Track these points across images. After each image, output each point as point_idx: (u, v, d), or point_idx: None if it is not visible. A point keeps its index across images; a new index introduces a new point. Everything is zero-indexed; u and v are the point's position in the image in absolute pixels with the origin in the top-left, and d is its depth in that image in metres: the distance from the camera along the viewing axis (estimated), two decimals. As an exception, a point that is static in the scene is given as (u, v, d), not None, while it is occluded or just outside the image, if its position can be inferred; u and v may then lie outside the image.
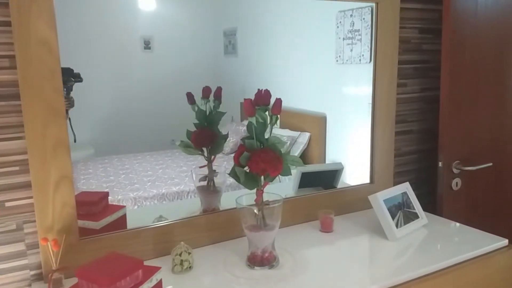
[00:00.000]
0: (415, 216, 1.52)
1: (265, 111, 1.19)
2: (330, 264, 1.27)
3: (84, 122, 1.49)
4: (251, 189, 1.19)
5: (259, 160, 1.14)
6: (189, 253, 1.24)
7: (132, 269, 0.96)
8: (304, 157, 2.02)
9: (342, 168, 1.89)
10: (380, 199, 1.43)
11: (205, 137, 1.61)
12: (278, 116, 1.20)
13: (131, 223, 1.46)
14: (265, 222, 1.23)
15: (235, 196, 2.05)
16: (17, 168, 1.17)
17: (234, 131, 1.84)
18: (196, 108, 1.62)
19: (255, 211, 1.21)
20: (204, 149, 1.63)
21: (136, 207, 1.73)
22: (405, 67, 1.81)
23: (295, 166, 1.23)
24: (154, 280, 1.02)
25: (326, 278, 1.18)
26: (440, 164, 1.73)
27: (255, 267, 1.23)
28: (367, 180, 1.75)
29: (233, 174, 1.17)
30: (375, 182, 1.72)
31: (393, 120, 1.73)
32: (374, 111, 1.71)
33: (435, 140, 1.84)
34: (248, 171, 1.18)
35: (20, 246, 1.21)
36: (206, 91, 1.61)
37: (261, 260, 1.23)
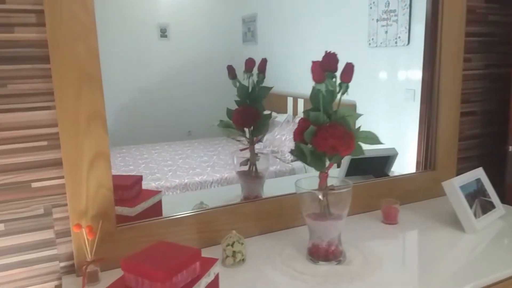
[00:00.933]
0: (491, 206, 1.33)
1: (332, 78, 1.01)
2: (406, 261, 1.09)
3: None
4: (318, 170, 1.01)
5: (328, 136, 0.96)
6: (242, 244, 1.07)
7: (189, 261, 0.80)
8: None
9: (396, 154, 1.70)
10: (456, 185, 1.24)
11: (248, 116, 1.43)
12: (348, 85, 1.02)
13: (166, 211, 1.31)
14: (329, 210, 1.05)
15: (278, 183, 1.90)
16: (45, 143, 1.01)
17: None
18: (238, 84, 1.44)
19: (319, 197, 1.04)
20: (246, 130, 1.46)
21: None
22: (468, 40, 1.60)
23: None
24: (212, 274, 0.86)
25: (407, 277, 1.00)
26: (510, 148, 1.53)
27: (320, 262, 1.06)
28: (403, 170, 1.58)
29: (297, 152, 0.99)
30: (437, 169, 1.53)
31: (458, 99, 1.54)
32: (438, 89, 1.51)
33: (499, 124, 1.64)
34: (312, 149, 1.00)
35: (49, 234, 1.05)
36: (249, 63, 1.43)
37: (326, 254, 1.06)
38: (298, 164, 2.17)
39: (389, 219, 1.31)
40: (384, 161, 1.74)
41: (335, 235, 1.06)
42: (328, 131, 0.96)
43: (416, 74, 1.76)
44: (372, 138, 1.01)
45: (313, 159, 0.99)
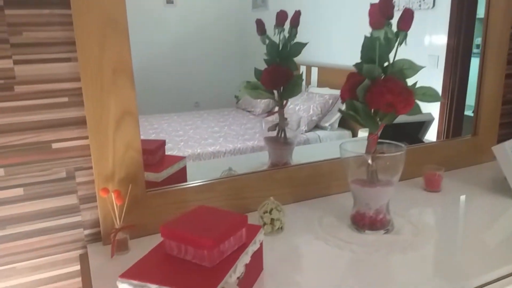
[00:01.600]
0: (543, 174, 1.23)
1: (387, 26, 0.89)
2: (460, 231, 1.00)
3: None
4: (372, 130, 0.91)
5: (385, 92, 0.85)
6: (280, 211, 0.99)
7: (235, 227, 0.71)
8: (346, 119, 1.82)
9: (432, 120, 1.60)
10: (508, 149, 1.14)
11: (278, 76, 1.32)
12: (407, 34, 0.90)
13: (190, 179, 1.23)
14: (377, 176, 0.96)
15: (307, 151, 1.81)
16: (65, 99, 0.91)
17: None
18: (267, 41, 1.32)
19: (369, 161, 0.94)
20: (275, 92, 1.35)
21: None
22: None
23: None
24: (257, 242, 0.77)
25: (460, 248, 0.92)
26: (559, 114, 1.42)
27: (366, 231, 0.97)
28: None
29: (349, 108, 0.88)
30: (479, 134, 1.43)
31: (504, 60, 1.41)
32: (484, 50, 1.38)
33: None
34: (364, 107, 0.89)
35: (71, 199, 0.96)
36: (281, 16, 1.30)
37: (372, 222, 0.97)
38: (313, 135, 2.08)
39: (432, 186, 1.22)
40: (419, 127, 1.64)
41: (384, 202, 0.97)
42: (385, 86, 0.85)
43: (440, 39, 1.64)
44: (432, 95, 0.90)
45: (366, 117, 0.88)
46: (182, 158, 1.30)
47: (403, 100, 0.86)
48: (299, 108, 2.25)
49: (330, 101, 2.11)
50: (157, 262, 0.68)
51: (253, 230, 0.78)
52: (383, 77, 0.91)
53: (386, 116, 0.91)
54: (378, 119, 0.92)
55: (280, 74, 1.32)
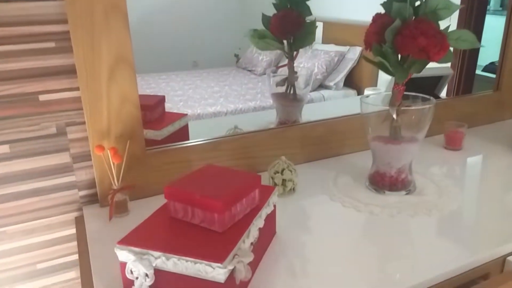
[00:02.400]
0: None
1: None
2: (486, 192, 0.92)
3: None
4: (400, 79, 0.81)
5: (418, 34, 0.74)
6: (292, 171, 0.90)
7: (248, 188, 0.63)
8: (353, 76, 1.76)
9: (450, 74, 1.49)
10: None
11: (289, 22, 1.19)
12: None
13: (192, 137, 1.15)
14: (400, 133, 0.87)
15: (316, 109, 1.71)
16: (52, 44, 0.80)
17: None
18: (276, -18, 1.19)
19: (394, 115, 0.85)
20: (285, 41, 1.23)
21: None
22: None
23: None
24: (271, 204, 0.69)
25: (489, 209, 0.85)
26: None
27: (386, 192, 0.90)
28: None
29: (377, 53, 0.77)
30: (502, 90, 1.33)
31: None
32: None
33: None
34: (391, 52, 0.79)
35: (64, 158, 0.87)
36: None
37: (393, 183, 0.89)
38: (317, 94, 1.98)
39: (453, 144, 1.13)
40: (435, 81, 1.53)
41: (407, 161, 0.88)
42: (418, 28, 0.74)
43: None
44: (468, 40, 0.79)
45: (396, 64, 0.78)
46: (183, 115, 1.20)
47: (438, 44, 0.75)
48: (303, 66, 2.13)
49: (336, 59, 1.99)
50: (161, 226, 0.60)
51: (266, 191, 0.70)
52: (413, 18, 0.79)
53: (415, 64, 0.80)
54: (405, 67, 0.81)
55: (291, 20, 1.19)
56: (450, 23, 0.81)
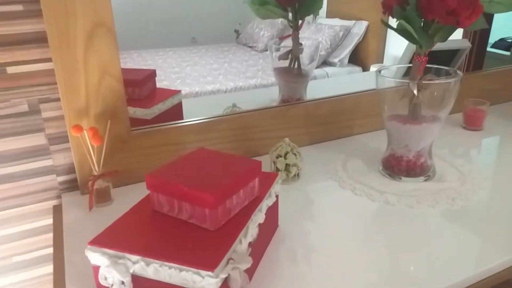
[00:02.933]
0: None
1: None
2: (508, 176, 0.83)
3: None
4: (426, 48, 0.70)
5: (448, -6, 0.62)
6: (297, 155, 0.80)
7: (246, 177, 0.53)
8: (358, 52, 1.67)
9: (468, 47, 1.37)
10: None
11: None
12: None
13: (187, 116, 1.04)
14: (421, 110, 0.76)
15: (321, 86, 1.60)
16: (20, 7, 0.68)
17: (269, 24, 1.55)
18: None
19: (414, 91, 0.74)
20: (289, 9, 1.11)
21: None
22: None
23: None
24: (273, 194, 0.60)
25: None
26: None
27: (402, 178, 0.80)
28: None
29: (399, 17, 0.66)
30: (527, 64, 1.21)
31: None
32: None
33: None
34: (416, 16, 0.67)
35: (38, 139, 0.77)
36: None
37: (411, 167, 0.79)
38: (320, 72, 1.86)
39: (473, 124, 1.03)
40: (451, 55, 1.41)
41: (427, 144, 0.78)
42: (448, -13, 0.62)
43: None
44: (503, 4, 0.67)
45: (419, 33, 0.66)
46: (176, 91, 1.09)
47: (470, 6, 0.63)
48: (304, 43, 2.02)
49: (341, 34, 1.86)
50: (141, 223, 0.50)
51: (268, 180, 0.60)
52: (441, -23, 0.67)
53: (440, 30, 0.69)
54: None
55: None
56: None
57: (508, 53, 1.42)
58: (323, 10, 2.00)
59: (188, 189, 0.48)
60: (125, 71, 1.09)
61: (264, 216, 0.55)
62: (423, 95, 0.74)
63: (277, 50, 1.19)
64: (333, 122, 1.00)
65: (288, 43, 1.14)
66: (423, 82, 0.73)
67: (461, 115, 1.06)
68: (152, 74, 1.07)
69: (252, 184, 0.54)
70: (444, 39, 0.72)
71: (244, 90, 1.67)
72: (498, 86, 1.20)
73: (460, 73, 0.75)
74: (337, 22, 1.85)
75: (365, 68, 1.75)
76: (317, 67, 1.87)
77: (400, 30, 0.66)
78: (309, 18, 2.16)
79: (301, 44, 1.15)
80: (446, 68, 0.78)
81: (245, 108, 1.09)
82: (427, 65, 0.75)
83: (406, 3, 0.66)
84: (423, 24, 0.69)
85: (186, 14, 1.82)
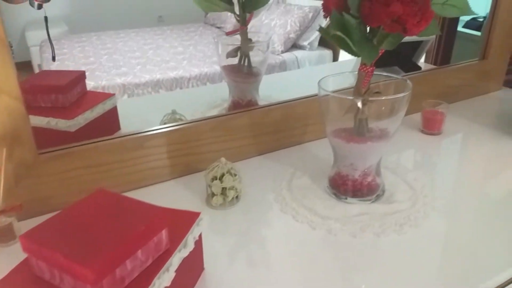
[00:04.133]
0: None
1: None
2: (471, 192, 0.77)
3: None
4: (370, 60, 0.61)
5: (392, 0, 0.54)
6: (235, 176, 0.72)
7: (147, 232, 0.44)
8: None
9: (432, 39, 1.30)
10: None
11: (237, -22, 0.96)
12: None
13: (124, 124, 0.93)
14: (367, 125, 0.68)
15: (276, 81, 1.50)
16: None
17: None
18: None
19: (359, 105, 0.66)
20: (235, 2, 1.00)
21: (126, 96, 1.21)
22: None
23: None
24: (191, 242, 0.51)
25: (473, 221, 0.69)
26: None
27: (348, 198, 0.73)
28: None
29: (336, 25, 0.57)
30: (489, 58, 1.15)
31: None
32: None
33: None
34: (358, 26, 0.58)
35: None
36: None
37: (357, 188, 0.72)
38: (290, 56, 1.76)
39: (431, 127, 0.97)
40: (414, 47, 1.34)
41: (375, 161, 0.71)
42: (392, -9, 0.53)
43: None
44: (458, 6, 0.59)
45: (362, 41, 0.57)
46: (109, 95, 0.98)
47: (418, 13, 0.55)
48: (275, 24, 1.90)
49: (310, 15, 1.76)
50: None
51: (185, 223, 0.51)
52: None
53: (387, 38, 0.61)
54: (375, 42, 0.62)
55: (239, -26, 0.95)
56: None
57: (479, 33, 1.36)
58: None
59: (66, 259, 0.39)
60: (46, 74, 0.96)
61: (172, 276, 0.46)
62: (369, 109, 0.67)
63: (225, 46, 1.09)
64: (283, 130, 0.92)
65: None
66: (368, 98, 0.64)
67: (420, 115, 0.99)
68: (80, 76, 0.95)
69: (157, 238, 0.45)
70: (394, 45, 0.63)
71: (210, 77, 1.55)
72: (460, 82, 1.14)
73: (409, 84, 0.67)
74: (306, 2, 1.75)
75: (336, 51, 1.67)
76: (286, 51, 1.77)
77: (339, 41, 0.57)
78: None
79: (250, 40, 1.04)
80: (396, 76, 0.70)
81: (189, 111, 0.99)
82: (375, 73, 0.67)
83: (346, 9, 0.56)
84: (368, 30, 0.61)
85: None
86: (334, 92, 0.66)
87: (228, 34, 1.08)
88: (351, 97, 0.65)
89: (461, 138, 0.97)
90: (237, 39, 1.02)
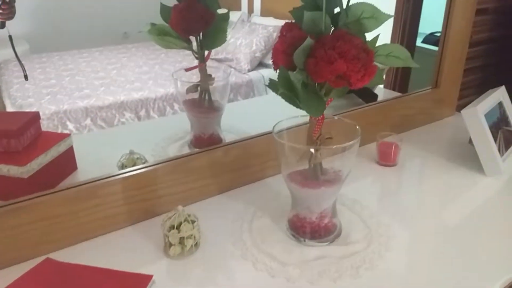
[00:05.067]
0: (513, 137, 1.05)
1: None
2: (426, 226, 0.79)
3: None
4: (317, 114, 0.62)
5: (336, 57, 0.55)
6: (193, 223, 0.71)
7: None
8: None
9: (387, 66, 1.34)
10: (481, 115, 0.92)
11: (193, 17, 0.96)
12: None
13: (81, 163, 0.91)
14: (321, 169, 0.70)
15: (236, 110, 1.51)
16: None
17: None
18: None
19: (312, 151, 0.67)
20: (193, 39, 1.00)
21: (89, 120, 1.18)
22: None
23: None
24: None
25: (428, 258, 0.71)
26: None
27: (307, 241, 0.73)
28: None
29: (282, 83, 0.58)
30: (442, 86, 1.20)
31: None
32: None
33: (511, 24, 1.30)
34: (306, 79, 0.60)
35: None
36: None
37: (315, 229, 0.73)
38: (256, 75, 1.78)
39: (387, 159, 0.99)
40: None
41: (330, 203, 0.72)
42: (336, 48, 0.55)
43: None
44: (401, 58, 0.62)
45: (308, 96, 0.59)
46: (64, 136, 0.95)
47: (361, 69, 0.57)
48: (240, 43, 1.92)
49: (275, 34, 1.79)
50: None
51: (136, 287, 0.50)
52: (332, 30, 0.60)
53: (333, 89, 0.62)
54: (323, 93, 0.63)
55: (195, 14, 0.96)
56: (380, 32, 0.63)
57: (437, 48, 1.41)
58: (257, 8, 1.92)
59: None
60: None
61: None
62: (322, 155, 0.68)
63: (184, 83, 1.09)
64: (244, 167, 0.92)
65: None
66: (319, 146, 0.66)
67: (375, 147, 1.02)
68: (34, 118, 0.93)
69: (103, 312, 0.44)
70: (342, 94, 0.65)
71: (176, 97, 1.53)
72: (415, 111, 1.18)
73: (358, 130, 0.68)
74: (271, 21, 1.77)
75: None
76: (253, 70, 1.78)
77: (285, 97, 0.59)
78: (244, 15, 2.07)
79: (210, 75, 1.05)
80: (347, 121, 0.72)
81: (149, 148, 0.98)
82: (326, 119, 0.69)
83: (292, 65, 0.58)
84: (316, 84, 0.62)
85: (117, 5, 1.65)
86: (289, 128, 0.67)
87: (187, 70, 1.08)
88: (303, 146, 0.66)
89: (416, 169, 1.00)
90: (196, 75, 1.03)
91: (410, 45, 1.37)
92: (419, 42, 1.40)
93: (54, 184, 0.82)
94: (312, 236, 0.73)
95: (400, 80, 1.38)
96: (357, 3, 0.58)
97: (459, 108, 1.29)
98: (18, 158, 0.81)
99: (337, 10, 0.59)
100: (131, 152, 0.92)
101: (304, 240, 0.73)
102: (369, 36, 0.62)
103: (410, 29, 1.38)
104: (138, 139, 1.09)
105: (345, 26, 0.59)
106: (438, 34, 1.16)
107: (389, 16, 0.58)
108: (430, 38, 1.50)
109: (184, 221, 0.70)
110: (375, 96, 1.20)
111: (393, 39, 1.31)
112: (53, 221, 0.71)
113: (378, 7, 0.59)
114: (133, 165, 0.84)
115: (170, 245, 0.70)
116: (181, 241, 0.70)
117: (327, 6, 0.56)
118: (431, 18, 1.33)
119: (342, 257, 0.70)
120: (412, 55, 1.40)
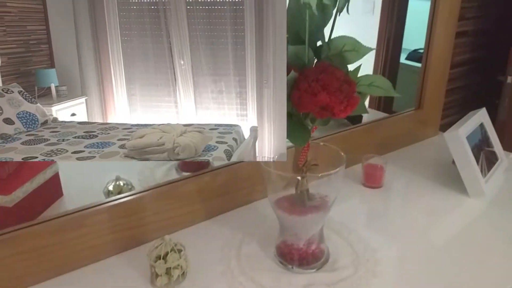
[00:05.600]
0: (495, 158, 1.07)
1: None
2: (410, 253, 0.80)
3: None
4: (303, 144, 0.63)
5: (319, 89, 0.57)
6: (180, 252, 0.71)
7: None
8: None
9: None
10: (463, 138, 0.94)
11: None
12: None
13: (67, 189, 0.90)
14: (308, 195, 0.70)
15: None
16: None
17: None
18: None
19: (298, 178, 0.68)
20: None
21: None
22: None
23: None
24: None
25: (418, 284, 0.72)
26: (509, 79, 1.25)
27: (294, 268, 0.73)
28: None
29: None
30: (424, 108, 1.23)
31: (456, 16, 1.18)
32: (434, 2, 1.14)
33: (492, 47, 1.34)
34: (291, 110, 0.61)
35: None
36: None
37: (302, 256, 0.73)
38: None
39: (372, 182, 1.01)
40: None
41: (317, 229, 0.72)
42: (319, 80, 0.56)
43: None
44: (382, 88, 0.63)
45: (293, 128, 0.60)
46: (49, 164, 0.94)
47: (343, 100, 0.58)
48: None
49: None
50: None
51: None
52: (315, 62, 0.62)
53: (323, 119, 0.64)
54: (308, 122, 0.64)
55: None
56: (361, 62, 0.65)
57: (420, 64, 1.43)
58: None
59: None
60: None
61: None
62: (308, 182, 0.69)
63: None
64: (231, 191, 0.92)
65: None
66: (305, 174, 0.67)
67: (360, 170, 1.03)
68: (19, 145, 0.91)
69: None
70: (327, 122, 0.66)
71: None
72: (399, 132, 1.20)
73: (344, 157, 0.70)
74: None
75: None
76: None
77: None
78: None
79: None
80: (332, 146, 0.73)
81: (133, 172, 0.97)
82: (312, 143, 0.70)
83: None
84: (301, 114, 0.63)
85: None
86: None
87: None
88: (290, 174, 0.67)
89: (402, 191, 1.02)
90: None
91: (394, 62, 1.39)
92: (403, 59, 1.42)
93: (40, 211, 0.81)
94: (300, 263, 0.73)
95: (385, 99, 1.40)
96: (338, 36, 0.60)
97: (442, 127, 1.32)
98: (2, 187, 0.79)
99: (319, 43, 0.61)
100: (118, 178, 0.91)
101: (292, 267, 0.73)
102: (351, 66, 0.64)
103: (393, 46, 1.41)
104: (124, 162, 1.08)
105: (327, 58, 0.61)
106: (422, 51, 1.19)
107: (369, 49, 0.60)
108: (414, 55, 1.54)
109: (171, 251, 0.70)
110: (360, 117, 1.21)
111: (377, 56, 1.33)
112: (35, 253, 0.70)
113: (361, 32, 0.61)
114: (120, 192, 0.83)
115: (157, 275, 0.69)
116: (168, 271, 0.69)
117: (310, 40, 0.58)
118: (415, 34, 1.36)
119: (329, 284, 0.70)
120: (396, 72, 1.42)
